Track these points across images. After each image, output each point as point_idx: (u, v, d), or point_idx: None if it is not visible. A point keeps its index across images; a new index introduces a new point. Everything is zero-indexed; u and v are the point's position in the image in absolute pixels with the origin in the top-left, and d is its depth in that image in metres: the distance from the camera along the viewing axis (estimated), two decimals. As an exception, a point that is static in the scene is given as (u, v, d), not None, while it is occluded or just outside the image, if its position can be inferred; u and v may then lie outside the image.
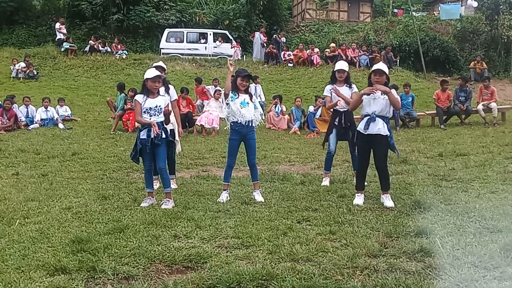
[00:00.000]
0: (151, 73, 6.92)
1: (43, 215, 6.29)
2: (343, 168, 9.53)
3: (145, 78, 6.93)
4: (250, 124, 7.14)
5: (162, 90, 7.58)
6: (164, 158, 6.90)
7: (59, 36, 26.50)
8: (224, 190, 7.26)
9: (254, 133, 7.28)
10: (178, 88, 18.95)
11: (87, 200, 7.05)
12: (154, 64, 8.03)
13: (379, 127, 6.74)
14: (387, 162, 6.97)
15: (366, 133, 6.80)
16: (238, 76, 7.19)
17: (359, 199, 6.85)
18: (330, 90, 8.16)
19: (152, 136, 6.70)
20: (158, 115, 6.81)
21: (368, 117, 6.79)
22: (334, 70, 8.16)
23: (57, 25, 26.51)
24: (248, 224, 5.79)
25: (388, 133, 6.82)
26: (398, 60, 25.72)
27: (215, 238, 5.31)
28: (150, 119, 6.78)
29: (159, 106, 6.84)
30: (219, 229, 5.61)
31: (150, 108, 6.81)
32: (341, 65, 8.17)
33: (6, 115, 14.65)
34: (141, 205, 6.75)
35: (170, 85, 8.01)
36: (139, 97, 6.88)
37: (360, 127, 6.87)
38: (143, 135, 6.78)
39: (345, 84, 8.07)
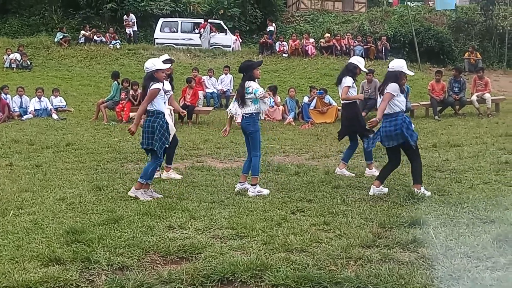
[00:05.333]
0: (162, 63, 7.04)
1: (37, 206, 6.28)
2: (337, 159, 9.54)
3: (157, 68, 6.83)
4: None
5: (166, 82, 7.56)
6: None
7: (130, 31, 26.60)
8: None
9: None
10: (177, 78, 18.95)
11: (81, 191, 7.04)
12: (162, 58, 7.87)
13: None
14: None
15: None
16: (253, 68, 7.19)
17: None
18: (352, 83, 8.29)
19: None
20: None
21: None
22: (362, 69, 8.40)
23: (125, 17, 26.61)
24: (242, 214, 5.82)
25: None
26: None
27: (210, 229, 5.33)
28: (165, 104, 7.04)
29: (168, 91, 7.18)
30: (213, 220, 5.63)
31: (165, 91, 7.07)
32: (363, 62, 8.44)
33: (-2, 106, 14.55)
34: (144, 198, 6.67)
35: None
36: (159, 85, 6.83)
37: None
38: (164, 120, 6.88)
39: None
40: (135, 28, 26.79)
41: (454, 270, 4.14)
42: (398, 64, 6.97)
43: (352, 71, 8.28)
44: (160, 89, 6.80)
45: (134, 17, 26.67)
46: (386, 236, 5.04)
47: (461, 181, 7.41)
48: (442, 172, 8.08)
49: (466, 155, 9.29)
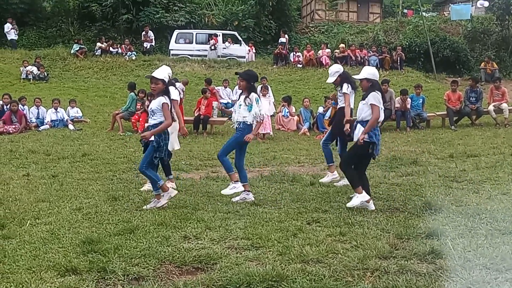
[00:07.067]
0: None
1: (53, 216, 6.32)
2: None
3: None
4: (238, 126, 7.26)
5: (171, 89, 7.56)
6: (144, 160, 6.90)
7: (147, 45, 27.02)
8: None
9: (238, 132, 7.28)
10: (192, 89, 19.08)
11: (97, 201, 7.08)
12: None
13: (356, 133, 6.72)
14: (348, 163, 6.81)
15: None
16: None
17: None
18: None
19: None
20: (151, 117, 6.87)
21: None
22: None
23: (144, 33, 27.15)
24: (258, 225, 5.79)
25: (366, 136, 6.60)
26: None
27: (225, 239, 5.31)
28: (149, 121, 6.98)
29: (151, 108, 6.91)
30: (229, 230, 5.61)
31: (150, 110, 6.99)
32: (329, 74, 8.22)
33: (16, 117, 14.72)
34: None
35: (171, 86, 7.96)
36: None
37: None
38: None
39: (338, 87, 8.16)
40: (153, 43, 27.12)
41: (473, 282, 4.08)
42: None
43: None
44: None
45: (152, 34, 27.19)
46: (403, 247, 4.98)
47: (479, 191, 7.32)
48: (459, 183, 8.00)
49: (483, 166, 9.19)
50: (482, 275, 4.19)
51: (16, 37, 26.58)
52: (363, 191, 6.56)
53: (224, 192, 7.24)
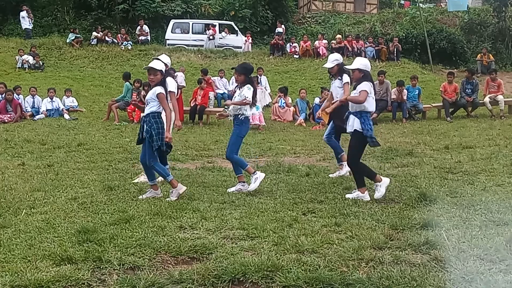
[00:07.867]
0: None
1: (49, 205, 6.31)
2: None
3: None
4: (235, 119, 7.31)
5: (170, 80, 7.54)
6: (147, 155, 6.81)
7: (142, 38, 26.78)
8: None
9: (236, 127, 7.30)
10: (188, 79, 19.01)
11: (92, 190, 7.07)
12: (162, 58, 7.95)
13: (350, 124, 6.74)
14: (355, 159, 6.81)
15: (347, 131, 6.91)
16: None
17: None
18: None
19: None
20: (146, 107, 6.84)
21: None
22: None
23: (139, 28, 27.03)
24: (253, 215, 5.80)
25: (360, 127, 6.62)
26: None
27: (221, 229, 5.32)
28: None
29: (146, 98, 6.90)
30: (224, 220, 5.62)
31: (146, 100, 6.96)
32: (328, 60, 8.22)
33: (11, 106, 14.67)
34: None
35: (169, 77, 7.94)
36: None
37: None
38: None
39: (338, 77, 8.09)
40: (148, 37, 26.99)
41: (467, 272, 4.10)
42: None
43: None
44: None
45: (147, 28, 27.15)
46: (398, 238, 5.00)
47: (474, 183, 7.34)
48: (455, 174, 8.02)
49: (478, 157, 9.21)
50: (476, 266, 4.21)
51: (30, 26, 26.24)
52: (366, 192, 6.69)
53: (251, 188, 7.06)
